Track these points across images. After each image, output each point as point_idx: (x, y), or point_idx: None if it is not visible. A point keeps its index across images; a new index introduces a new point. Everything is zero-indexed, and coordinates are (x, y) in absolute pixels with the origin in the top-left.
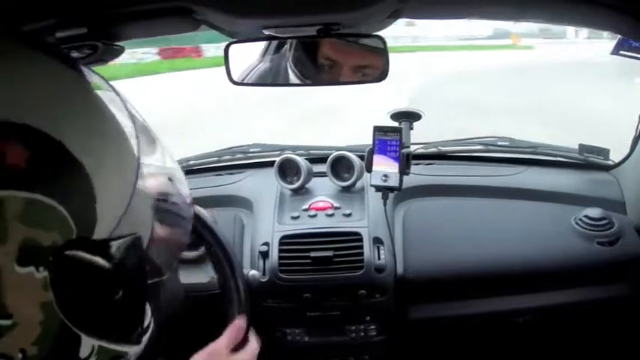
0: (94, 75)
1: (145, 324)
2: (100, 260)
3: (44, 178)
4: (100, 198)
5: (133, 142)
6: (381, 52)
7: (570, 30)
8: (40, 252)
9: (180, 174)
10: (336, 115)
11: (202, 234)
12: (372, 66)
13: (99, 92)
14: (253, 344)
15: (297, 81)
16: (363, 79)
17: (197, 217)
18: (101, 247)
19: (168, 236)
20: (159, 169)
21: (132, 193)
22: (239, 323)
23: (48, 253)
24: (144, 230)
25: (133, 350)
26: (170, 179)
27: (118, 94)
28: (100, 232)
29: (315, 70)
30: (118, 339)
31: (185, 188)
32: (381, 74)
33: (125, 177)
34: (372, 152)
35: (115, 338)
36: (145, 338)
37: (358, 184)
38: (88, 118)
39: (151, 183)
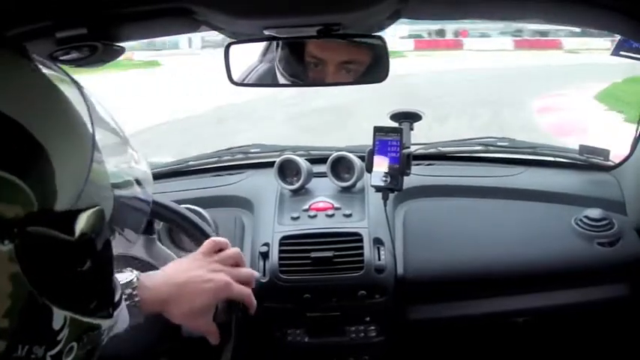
0: (60, 71)
1: (116, 299)
2: (61, 234)
3: (4, 155)
4: (59, 173)
5: (87, 121)
6: (372, 48)
7: (184, 40)
8: (3, 225)
9: (147, 176)
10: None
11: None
12: (357, 61)
13: (60, 86)
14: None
15: (285, 81)
16: (348, 75)
17: (194, 224)
18: (64, 219)
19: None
20: (124, 169)
21: (89, 169)
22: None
23: (12, 225)
24: (105, 206)
25: (106, 323)
26: (138, 181)
27: (80, 89)
28: (61, 205)
29: (301, 69)
30: (88, 311)
31: (150, 189)
32: (369, 73)
33: (82, 153)
34: (372, 153)
35: (85, 310)
36: (117, 313)
37: (358, 185)
38: (49, 105)
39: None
